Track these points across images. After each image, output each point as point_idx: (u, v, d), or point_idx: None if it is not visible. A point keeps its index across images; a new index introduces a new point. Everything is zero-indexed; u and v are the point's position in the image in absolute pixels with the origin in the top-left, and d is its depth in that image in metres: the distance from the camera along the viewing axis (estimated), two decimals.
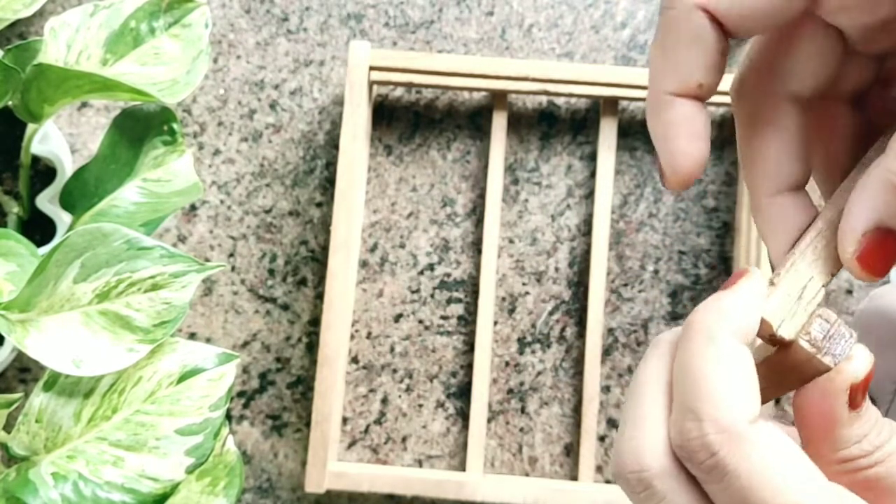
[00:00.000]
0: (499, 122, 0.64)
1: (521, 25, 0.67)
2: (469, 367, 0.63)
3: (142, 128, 0.48)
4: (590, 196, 0.65)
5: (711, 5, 0.22)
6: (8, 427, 0.41)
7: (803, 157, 0.24)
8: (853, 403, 0.21)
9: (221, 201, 0.65)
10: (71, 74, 0.42)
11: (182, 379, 0.41)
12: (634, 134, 0.65)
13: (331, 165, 0.65)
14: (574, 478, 0.62)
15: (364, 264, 0.65)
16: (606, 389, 0.63)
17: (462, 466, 0.62)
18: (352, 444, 0.63)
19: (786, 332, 0.21)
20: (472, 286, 0.64)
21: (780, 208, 0.24)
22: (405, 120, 0.66)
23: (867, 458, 0.21)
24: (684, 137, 0.23)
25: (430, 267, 0.64)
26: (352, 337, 0.64)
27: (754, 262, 0.59)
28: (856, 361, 0.21)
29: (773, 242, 0.24)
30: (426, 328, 0.64)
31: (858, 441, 0.21)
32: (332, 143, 0.66)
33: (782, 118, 0.23)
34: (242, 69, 0.66)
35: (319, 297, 0.64)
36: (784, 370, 0.22)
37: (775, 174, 0.23)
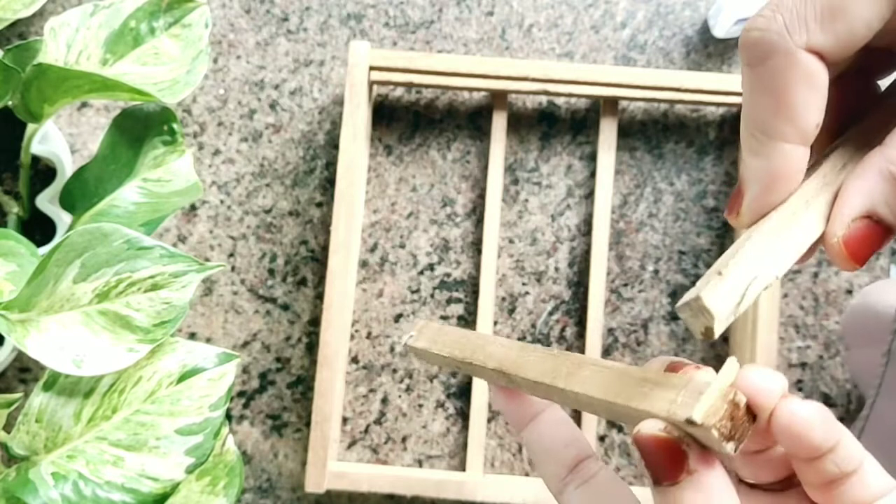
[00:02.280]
0: (499, 122, 0.64)
1: (521, 25, 0.67)
2: None
3: (142, 128, 0.48)
4: (590, 196, 0.65)
5: (817, 45, 0.22)
6: (8, 427, 0.41)
7: (824, 112, 0.23)
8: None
9: (221, 201, 0.65)
10: (71, 74, 0.42)
11: (182, 379, 0.41)
12: (634, 134, 0.65)
13: (331, 165, 0.65)
14: None
15: (364, 264, 0.65)
16: None
17: (462, 466, 0.62)
18: (352, 444, 0.63)
19: (698, 416, 0.20)
20: (472, 286, 0.64)
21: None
22: (405, 120, 0.66)
23: None
24: (786, 188, 0.23)
25: (430, 267, 0.64)
26: (352, 337, 0.64)
27: None
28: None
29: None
30: None
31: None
32: (332, 143, 0.66)
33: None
34: (242, 69, 0.66)
35: (319, 297, 0.64)
36: (668, 425, 0.21)
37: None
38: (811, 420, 0.21)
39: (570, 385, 0.24)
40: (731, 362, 0.21)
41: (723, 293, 0.21)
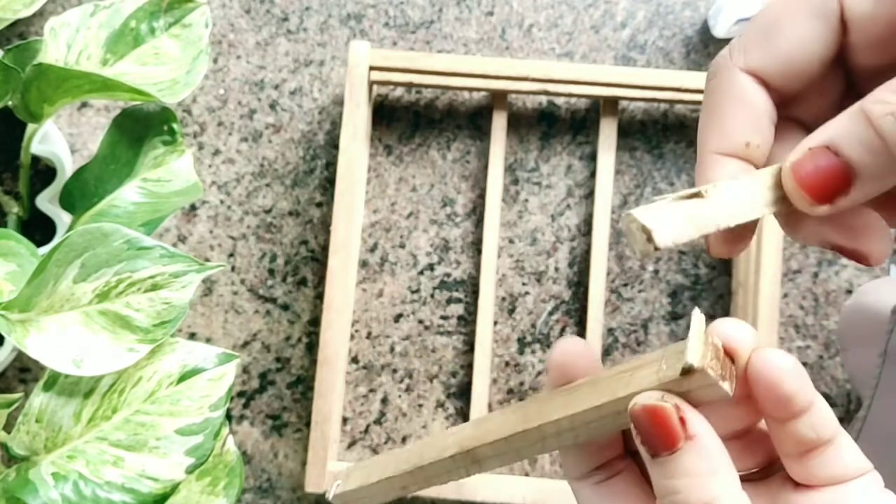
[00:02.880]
0: (499, 122, 0.64)
1: (521, 25, 0.67)
2: (469, 367, 0.63)
3: (142, 128, 0.48)
4: (590, 196, 0.65)
5: (753, 66, 0.23)
6: (8, 427, 0.41)
7: (763, 134, 0.23)
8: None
9: (221, 201, 0.65)
10: (71, 74, 0.42)
11: (182, 379, 0.41)
12: (634, 134, 0.65)
13: (331, 165, 0.65)
14: None
15: (364, 264, 0.65)
16: None
17: None
18: (352, 444, 0.63)
19: (694, 360, 0.20)
20: (472, 286, 0.64)
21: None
22: (405, 120, 0.66)
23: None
24: None
25: (430, 267, 0.64)
26: (352, 337, 0.64)
27: (754, 263, 0.59)
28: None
29: None
30: (426, 328, 0.64)
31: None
32: (332, 143, 0.66)
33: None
34: (242, 69, 0.66)
35: (319, 297, 0.64)
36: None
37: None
38: (785, 367, 0.22)
39: (545, 418, 0.23)
40: (695, 313, 0.22)
41: (653, 208, 0.21)
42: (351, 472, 0.28)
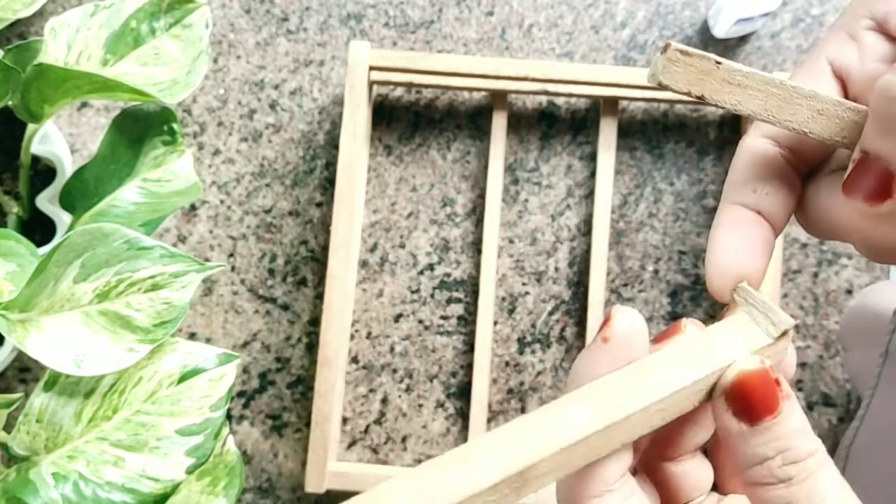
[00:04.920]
0: (499, 122, 0.64)
1: (521, 25, 0.67)
2: (469, 367, 0.63)
3: (142, 128, 0.48)
4: (590, 196, 0.65)
5: (767, 135, 0.24)
6: (8, 427, 0.41)
7: (772, 181, 0.24)
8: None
9: (221, 201, 0.65)
10: (71, 74, 0.42)
11: (182, 379, 0.41)
12: (634, 134, 0.65)
13: (331, 165, 0.65)
14: None
15: (364, 264, 0.65)
16: None
17: None
18: (352, 444, 0.63)
19: (790, 321, 0.21)
20: (472, 286, 0.64)
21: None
22: (405, 120, 0.66)
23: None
24: (732, 237, 0.24)
25: (430, 267, 0.64)
26: (352, 337, 0.64)
27: None
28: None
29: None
30: (426, 328, 0.64)
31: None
32: (332, 143, 0.66)
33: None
34: (242, 69, 0.66)
35: (319, 297, 0.64)
36: None
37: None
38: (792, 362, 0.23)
39: (631, 408, 0.19)
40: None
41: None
42: None
